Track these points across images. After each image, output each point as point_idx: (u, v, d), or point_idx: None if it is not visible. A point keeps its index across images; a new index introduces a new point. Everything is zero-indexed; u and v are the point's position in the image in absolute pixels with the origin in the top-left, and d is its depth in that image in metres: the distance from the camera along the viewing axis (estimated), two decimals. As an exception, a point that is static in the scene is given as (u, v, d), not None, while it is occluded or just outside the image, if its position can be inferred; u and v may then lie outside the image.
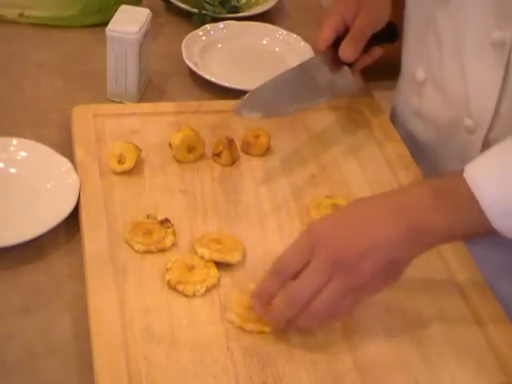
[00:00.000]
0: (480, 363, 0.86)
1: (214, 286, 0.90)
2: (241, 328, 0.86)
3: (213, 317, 0.87)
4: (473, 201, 0.80)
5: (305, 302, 0.82)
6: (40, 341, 0.85)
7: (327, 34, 1.09)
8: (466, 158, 0.99)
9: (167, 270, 0.91)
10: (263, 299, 0.84)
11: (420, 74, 1.11)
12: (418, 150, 1.14)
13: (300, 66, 1.10)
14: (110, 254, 0.92)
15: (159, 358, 0.82)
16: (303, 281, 0.82)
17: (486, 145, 1.03)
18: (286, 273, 0.83)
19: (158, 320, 0.86)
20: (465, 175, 0.81)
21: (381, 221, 0.83)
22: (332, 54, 1.09)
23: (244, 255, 0.94)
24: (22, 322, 0.87)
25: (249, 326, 0.86)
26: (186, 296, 0.89)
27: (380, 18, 1.12)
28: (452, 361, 0.86)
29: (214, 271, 0.91)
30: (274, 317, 0.84)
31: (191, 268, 0.91)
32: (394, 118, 1.22)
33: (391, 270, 0.83)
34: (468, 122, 1.04)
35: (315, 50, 1.11)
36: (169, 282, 0.90)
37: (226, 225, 0.98)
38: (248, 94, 1.02)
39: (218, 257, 0.92)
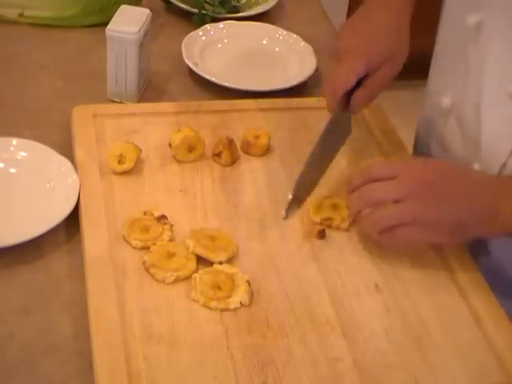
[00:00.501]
0: (480, 363, 0.86)
1: (187, 278, 0.90)
2: (205, 306, 0.87)
3: (213, 317, 0.87)
4: None
5: (373, 201, 0.91)
6: (40, 341, 0.85)
7: (349, 81, 1.01)
8: None
9: (148, 251, 0.92)
10: (348, 188, 0.94)
11: (446, 102, 1.09)
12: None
13: (322, 136, 1.01)
14: (110, 253, 0.92)
15: (159, 357, 0.82)
16: (380, 185, 0.91)
17: None
18: (371, 174, 0.92)
19: (158, 320, 0.86)
20: None
21: (468, 184, 0.91)
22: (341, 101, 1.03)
23: (236, 257, 0.94)
24: (21, 322, 0.87)
25: (213, 304, 0.87)
26: (156, 281, 0.90)
27: (401, 66, 1.06)
28: (452, 361, 0.86)
29: (191, 264, 0.91)
30: (348, 204, 0.95)
31: (171, 255, 0.92)
32: (417, 141, 1.22)
33: (456, 229, 0.89)
34: (476, 167, 1.04)
35: (333, 92, 1.02)
36: (144, 263, 0.91)
37: (225, 225, 0.98)
38: (291, 197, 0.96)
39: (201, 251, 0.92)
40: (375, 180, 0.92)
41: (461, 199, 0.90)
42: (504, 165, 0.99)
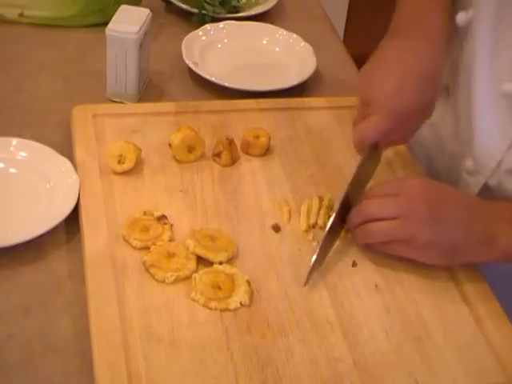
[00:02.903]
0: (480, 363, 0.86)
1: (187, 278, 0.90)
2: (205, 306, 0.87)
3: (213, 317, 0.87)
4: None
5: (371, 216, 0.91)
6: (40, 341, 0.85)
7: (376, 136, 0.97)
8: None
9: (148, 251, 0.92)
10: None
11: (441, 92, 1.06)
12: (424, 157, 1.14)
13: (352, 182, 0.96)
14: (110, 253, 0.92)
15: (159, 357, 0.82)
16: (377, 201, 0.92)
17: (484, 190, 1.03)
18: (371, 195, 0.94)
19: (158, 320, 0.86)
20: None
21: (466, 209, 0.91)
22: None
23: (236, 257, 0.94)
24: (21, 322, 0.87)
25: (213, 305, 0.87)
26: (156, 281, 0.90)
27: (430, 115, 1.01)
28: (452, 361, 0.86)
29: (191, 264, 0.91)
30: (348, 219, 0.94)
31: (171, 255, 0.92)
32: None
33: (449, 252, 0.89)
34: (469, 163, 1.03)
35: (360, 141, 0.98)
36: (144, 263, 0.91)
37: (225, 225, 0.98)
38: (311, 267, 0.92)
39: (201, 252, 0.92)
40: (375, 198, 0.94)
41: (457, 223, 0.89)
42: (500, 162, 0.99)
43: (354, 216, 0.94)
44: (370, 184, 1.00)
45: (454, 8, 1.03)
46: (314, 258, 0.91)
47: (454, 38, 1.03)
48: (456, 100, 1.04)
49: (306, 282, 0.91)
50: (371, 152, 0.98)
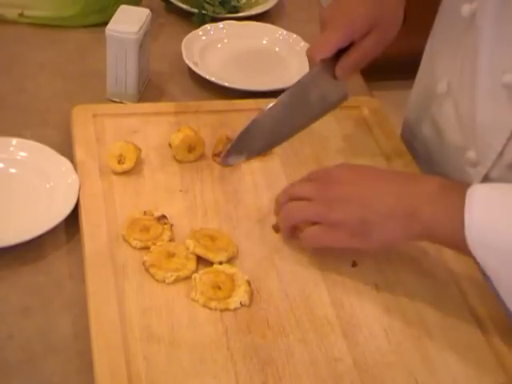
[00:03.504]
0: (480, 363, 0.86)
1: (187, 278, 0.90)
2: (205, 306, 0.87)
3: (213, 317, 0.87)
4: (462, 214, 0.81)
5: (289, 197, 0.94)
6: (40, 341, 0.85)
7: (327, 51, 0.99)
8: None
9: (148, 251, 0.92)
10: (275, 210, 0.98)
11: (442, 87, 1.08)
12: (424, 149, 1.14)
13: (293, 88, 1.00)
14: (110, 253, 0.92)
15: (159, 357, 0.82)
16: (299, 184, 0.96)
17: (484, 181, 1.02)
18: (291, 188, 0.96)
19: (158, 320, 0.86)
20: (469, 189, 0.83)
21: (375, 186, 0.90)
22: (327, 64, 1.01)
23: (236, 257, 0.94)
24: (21, 322, 0.87)
25: (213, 305, 0.87)
26: (156, 281, 0.90)
27: (390, 40, 1.04)
28: (452, 361, 0.86)
29: (191, 264, 0.91)
30: (276, 199, 0.97)
31: (171, 255, 0.92)
32: (405, 124, 1.22)
33: (360, 230, 0.88)
34: (471, 154, 1.03)
35: (310, 59, 1.02)
36: (144, 263, 0.91)
37: (225, 225, 0.98)
38: (234, 141, 0.97)
39: (201, 251, 0.92)
40: (301, 180, 0.97)
41: (366, 199, 0.89)
42: (501, 153, 0.99)
43: (280, 195, 0.97)
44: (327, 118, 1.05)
45: (453, 2, 1.04)
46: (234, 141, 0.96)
47: (458, 30, 1.03)
48: (460, 92, 1.05)
49: (223, 161, 0.96)
50: (323, 71, 1.00)
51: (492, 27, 0.96)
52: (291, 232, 0.95)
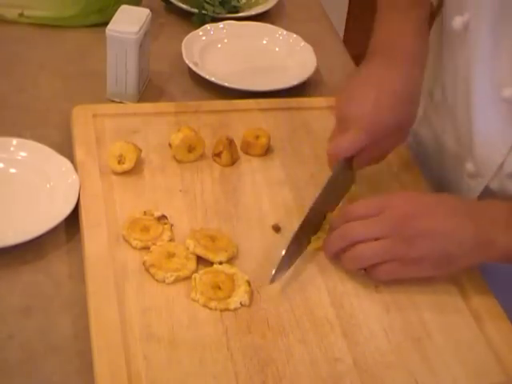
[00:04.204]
0: (480, 363, 0.86)
1: (187, 278, 0.90)
2: (205, 306, 0.87)
3: (213, 317, 0.87)
4: None
5: (353, 240, 0.90)
6: (40, 341, 0.85)
7: (351, 151, 0.97)
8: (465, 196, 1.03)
9: (148, 251, 0.92)
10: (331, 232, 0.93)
11: (437, 95, 1.08)
12: (424, 157, 1.14)
13: (322, 192, 0.96)
14: (110, 253, 0.92)
15: (159, 357, 0.82)
16: (361, 223, 0.90)
17: (486, 194, 1.02)
18: (352, 215, 0.91)
19: (158, 320, 0.86)
20: None
21: (453, 217, 0.89)
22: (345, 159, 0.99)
23: (236, 257, 0.94)
24: (21, 322, 0.87)
25: (213, 305, 0.87)
26: (156, 281, 0.90)
27: (408, 134, 1.02)
28: (452, 361, 0.86)
29: (191, 264, 0.91)
30: (326, 245, 0.93)
31: (171, 255, 0.92)
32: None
33: (443, 262, 0.88)
34: (469, 166, 1.03)
35: (333, 156, 0.99)
36: (144, 263, 0.91)
37: (225, 225, 0.98)
38: (279, 263, 0.90)
39: (201, 252, 0.92)
40: (356, 219, 0.91)
41: (445, 232, 0.88)
42: (501, 165, 0.98)
43: (336, 240, 0.92)
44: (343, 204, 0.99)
45: (446, 14, 1.03)
46: (277, 266, 0.90)
47: (451, 42, 1.03)
48: (455, 103, 1.04)
49: (273, 280, 0.89)
50: (343, 168, 0.98)
51: (488, 39, 0.95)
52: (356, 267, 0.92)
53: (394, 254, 0.89)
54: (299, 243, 0.93)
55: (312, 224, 0.95)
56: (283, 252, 0.90)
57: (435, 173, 1.12)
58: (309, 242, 0.95)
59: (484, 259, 0.90)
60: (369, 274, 0.92)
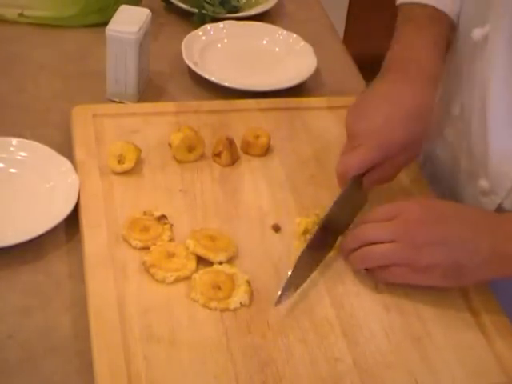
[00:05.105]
0: (480, 363, 0.86)
1: (187, 278, 0.90)
2: (205, 306, 0.87)
3: (213, 317, 0.87)
4: None
5: (367, 241, 0.89)
6: (40, 341, 0.85)
7: (361, 169, 0.96)
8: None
9: (148, 251, 0.92)
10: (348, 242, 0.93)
11: (454, 110, 1.07)
12: (437, 173, 1.13)
13: (330, 210, 0.94)
14: (110, 253, 0.92)
15: (159, 358, 0.82)
16: (374, 225, 0.90)
17: (498, 211, 1.00)
18: (367, 219, 0.91)
19: (158, 320, 0.86)
20: None
21: (469, 227, 0.87)
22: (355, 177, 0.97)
23: (236, 257, 0.94)
24: (21, 322, 0.87)
25: (213, 305, 0.87)
26: (156, 281, 0.90)
27: (420, 152, 1.02)
28: (452, 361, 0.86)
29: (191, 264, 0.91)
30: (341, 247, 0.93)
31: (171, 255, 0.92)
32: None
33: (454, 273, 0.86)
34: (483, 183, 1.01)
35: (343, 174, 0.97)
36: (144, 263, 0.91)
37: (225, 225, 0.98)
38: (285, 284, 0.88)
39: (201, 252, 0.92)
40: (371, 222, 0.91)
41: (461, 243, 0.86)
42: None
43: (350, 240, 0.92)
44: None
45: (463, 27, 1.02)
46: (285, 283, 0.88)
47: (469, 55, 1.02)
48: (470, 118, 1.02)
49: (278, 302, 0.87)
50: (354, 186, 0.96)
51: (506, 51, 0.94)
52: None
53: (403, 258, 0.88)
54: (307, 263, 0.91)
55: (322, 244, 0.93)
56: (289, 272, 0.89)
57: (448, 190, 1.11)
58: (318, 264, 0.93)
59: (498, 274, 0.88)
60: (376, 275, 0.91)
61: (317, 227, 0.93)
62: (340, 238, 0.95)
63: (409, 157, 0.99)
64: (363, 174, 0.97)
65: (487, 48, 0.97)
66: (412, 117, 0.97)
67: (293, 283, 0.89)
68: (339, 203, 0.95)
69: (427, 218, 0.88)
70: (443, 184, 1.12)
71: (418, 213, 0.89)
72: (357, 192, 0.97)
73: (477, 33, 0.99)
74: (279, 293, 0.87)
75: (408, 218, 0.89)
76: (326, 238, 0.94)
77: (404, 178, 1.07)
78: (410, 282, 0.90)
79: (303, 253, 0.91)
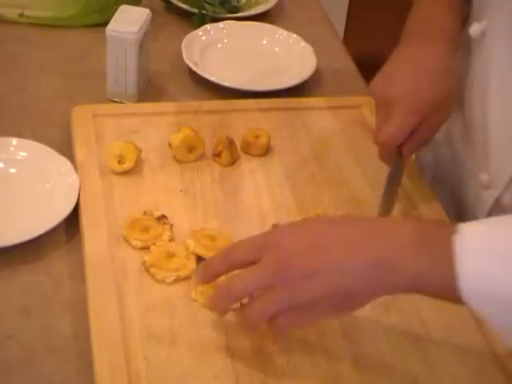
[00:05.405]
0: (480, 363, 0.86)
1: (187, 278, 0.90)
2: (205, 306, 0.86)
3: (213, 317, 0.87)
4: (450, 263, 0.70)
5: (237, 298, 0.78)
6: (40, 341, 0.85)
7: (402, 137, 0.97)
8: (476, 211, 1.00)
9: (148, 251, 0.92)
10: (207, 274, 0.81)
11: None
12: (440, 176, 1.13)
13: (387, 187, 0.97)
14: (110, 253, 0.92)
15: (159, 357, 0.82)
16: (241, 277, 0.77)
17: (497, 207, 1.01)
18: (232, 258, 0.79)
19: (158, 320, 0.86)
20: (455, 236, 0.71)
21: (348, 245, 0.75)
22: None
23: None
24: (21, 322, 0.87)
25: None
26: (156, 281, 0.90)
27: (451, 113, 1.02)
28: (452, 361, 0.86)
29: (191, 264, 0.91)
30: (212, 304, 0.81)
31: (171, 255, 0.92)
32: None
33: (344, 299, 0.75)
34: (483, 176, 1.01)
35: (386, 145, 0.99)
36: (144, 263, 0.91)
37: (225, 225, 0.98)
38: None
39: (201, 251, 0.92)
40: (237, 262, 0.78)
41: (336, 264, 0.74)
42: None
43: (219, 299, 0.80)
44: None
45: (466, 19, 1.03)
46: None
47: (468, 50, 1.02)
48: (470, 111, 1.03)
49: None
50: (398, 157, 0.98)
51: (504, 46, 0.94)
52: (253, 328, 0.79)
53: (284, 303, 0.75)
54: None
55: None
56: None
57: (451, 187, 1.11)
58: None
59: (390, 289, 0.75)
60: (269, 330, 0.78)
61: (379, 208, 0.95)
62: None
63: (442, 115, 1.00)
64: (402, 144, 0.98)
65: (485, 43, 0.98)
66: (439, 76, 0.99)
67: None
68: (391, 180, 0.97)
69: (296, 248, 0.75)
70: (447, 182, 1.12)
71: (285, 245, 0.76)
72: (400, 164, 0.98)
73: (474, 28, 0.99)
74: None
75: (274, 254, 0.75)
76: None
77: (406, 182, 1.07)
78: (301, 325, 0.80)
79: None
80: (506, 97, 0.96)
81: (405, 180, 1.05)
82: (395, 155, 0.99)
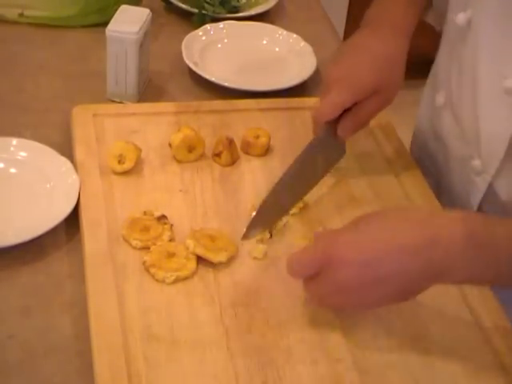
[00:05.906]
0: (480, 363, 0.86)
1: (187, 278, 0.90)
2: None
3: (213, 317, 0.87)
4: (499, 267, 0.80)
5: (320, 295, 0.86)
6: (40, 341, 0.85)
7: (333, 113, 1.00)
8: (469, 198, 1.02)
9: (148, 251, 0.92)
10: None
11: (439, 99, 1.09)
12: (433, 170, 1.14)
13: (302, 155, 1.00)
14: (110, 253, 0.92)
15: (159, 358, 0.82)
16: (314, 283, 0.84)
17: (490, 191, 1.02)
18: (292, 274, 0.86)
19: (158, 320, 0.86)
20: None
21: (401, 251, 0.81)
22: (330, 124, 1.01)
23: (236, 257, 0.94)
24: (21, 322, 0.87)
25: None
26: (156, 281, 0.90)
27: (391, 100, 1.04)
28: (452, 361, 0.86)
29: (191, 264, 0.91)
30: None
31: (171, 255, 0.92)
32: (414, 139, 1.22)
33: (399, 297, 0.84)
34: (476, 162, 1.02)
35: (316, 121, 1.02)
36: (144, 263, 0.91)
37: (225, 225, 0.98)
38: (254, 216, 0.93)
39: (201, 252, 0.92)
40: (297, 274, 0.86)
41: (397, 262, 0.81)
42: (503, 160, 0.99)
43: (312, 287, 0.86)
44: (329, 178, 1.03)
45: (450, 12, 1.04)
46: (254, 214, 0.93)
47: (455, 40, 1.03)
48: (457, 102, 1.04)
49: (246, 236, 0.92)
50: (328, 134, 1.01)
51: (490, 33, 0.96)
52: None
53: (348, 305, 0.86)
54: (276, 205, 0.96)
55: (293, 189, 0.98)
56: (253, 214, 0.93)
57: (439, 176, 1.12)
58: (290, 208, 0.98)
59: (438, 283, 0.84)
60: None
61: (288, 170, 0.97)
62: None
63: (380, 102, 1.03)
64: (337, 123, 1.00)
65: (471, 31, 0.99)
66: (380, 63, 1.03)
67: (260, 221, 0.93)
68: (312, 149, 0.99)
69: (356, 260, 0.81)
70: (435, 172, 1.13)
71: (343, 260, 0.82)
72: (331, 141, 1.01)
73: (460, 17, 1.00)
74: (244, 229, 0.92)
75: (335, 277, 0.82)
76: (296, 185, 0.98)
77: (394, 161, 1.09)
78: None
79: (271, 193, 0.95)
80: (495, 82, 0.97)
81: (399, 170, 1.09)
82: (326, 128, 1.01)
